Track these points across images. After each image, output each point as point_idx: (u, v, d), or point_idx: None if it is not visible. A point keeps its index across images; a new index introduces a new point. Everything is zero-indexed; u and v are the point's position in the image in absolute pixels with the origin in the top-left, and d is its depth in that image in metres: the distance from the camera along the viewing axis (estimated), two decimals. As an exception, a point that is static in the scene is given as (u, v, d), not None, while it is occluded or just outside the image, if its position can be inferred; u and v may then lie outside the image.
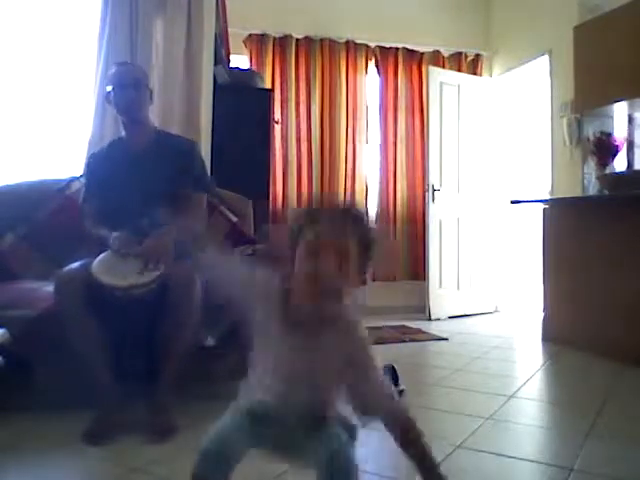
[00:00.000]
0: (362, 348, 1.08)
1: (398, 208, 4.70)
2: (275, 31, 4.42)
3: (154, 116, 2.45)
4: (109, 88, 2.26)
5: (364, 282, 1.10)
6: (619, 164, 3.47)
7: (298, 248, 1.05)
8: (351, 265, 1.03)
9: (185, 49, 3.28)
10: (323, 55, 4.56)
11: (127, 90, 2.21)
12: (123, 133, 2.32)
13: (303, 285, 1.03)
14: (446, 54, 4.85)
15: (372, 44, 4.67)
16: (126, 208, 2.12)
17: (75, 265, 1.96)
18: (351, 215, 1.08)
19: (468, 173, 4.72)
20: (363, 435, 1.91)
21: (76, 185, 2.66)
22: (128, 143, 2.28)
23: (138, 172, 2.17)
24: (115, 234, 2.01)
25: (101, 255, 1.97)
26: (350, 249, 1.03)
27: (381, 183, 4.70)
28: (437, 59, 4.79)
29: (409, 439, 1.06)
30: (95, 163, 2.33)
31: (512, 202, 3.76)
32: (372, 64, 4.72)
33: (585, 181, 3.78)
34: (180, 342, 1.94)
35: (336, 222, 1.05)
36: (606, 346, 2.97)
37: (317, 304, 1.04)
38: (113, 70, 2.31)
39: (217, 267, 1.16)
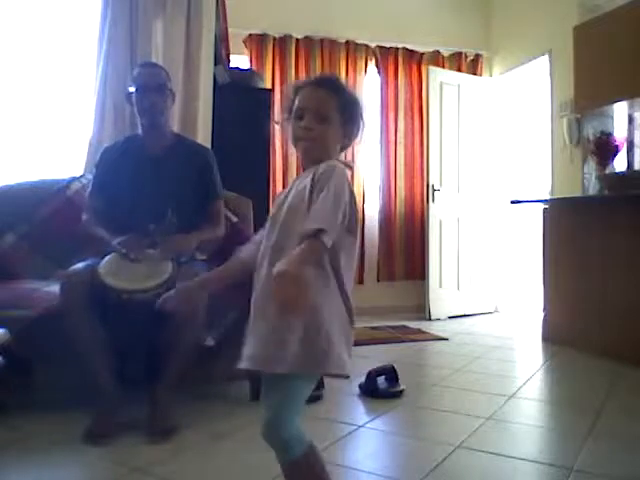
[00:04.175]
0: (324, 176, 1.08)
1: (398, 208, 4.71)
2: (275, 31, 4.42)
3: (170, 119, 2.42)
4: (132, 89, 2.22)
5: (348, 142, 1.22)
6: (619, 164, 3.47)
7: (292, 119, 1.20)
8: (331, 122, 1.16)
9: (185, 49, 3.28)
10: (323, 55, 4.56)
11: (149, 94, 2.17)
12: (140, 132, 2.28)
13: (296, 145, 1.19)
14: (446, 54, 4.85)
15: (372, 44, 4.67)
16: (136, 211, 2.11)
17: (81, 265, 1.96)
18: (328, 81, 1.23)
19: (468, 173, 4.72)
20: (364, 435, 1.92)
21: (76, 185, 2.65)
22: (145, 144, 2.25)
23: (152, 175, 2.17)
24: (122, 238, 1.99)
25: (108, 257, 1.96)
26: (327, 107, 1.17)
27: (381, 183, 4.70)
28: (437, 59, 4.79)
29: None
30: (108, 158, 2.29)
31: (512, 202, 3.76)
32: (372, 64, 4.72)
33: (585, 181, 3.78)
34: (184, 344, 1.94)
35: (315, 87, 1.20)
36: (606, 346, 2.97)
37: (309, 158, 1.18)
38: (137, 71, 2.28)
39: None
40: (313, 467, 1.10)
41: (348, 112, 1.19)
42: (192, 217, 2.19)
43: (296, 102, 1.20)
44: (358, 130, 1.23)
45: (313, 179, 1.10)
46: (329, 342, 1.04)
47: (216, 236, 2.28)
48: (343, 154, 1.27)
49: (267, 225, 1.20)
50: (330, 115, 1.17)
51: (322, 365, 1.05)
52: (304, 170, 1.20)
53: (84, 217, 2.22)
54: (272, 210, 1.22)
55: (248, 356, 1.08)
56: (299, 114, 1.18)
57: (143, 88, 2.18)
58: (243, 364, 1.08)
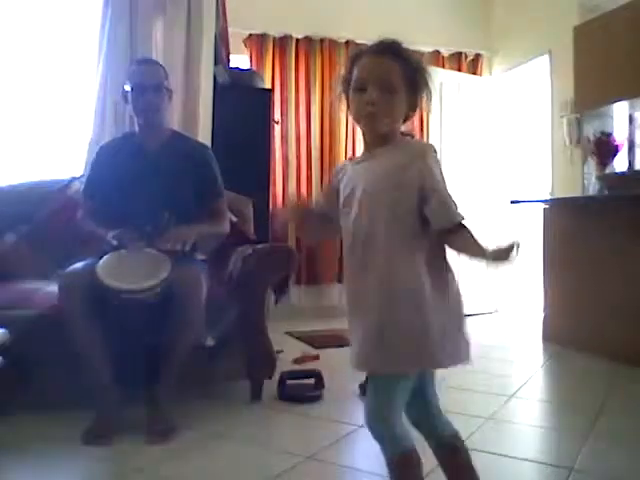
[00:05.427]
0: (421, 166, 1.09)
1: (398, 208, 4.70)
2: (275, 31, 4.42)
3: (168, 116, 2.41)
4: (127, 87, 2.19)
5: (413, 113, 1.17)
6: (619, 164, 3.47)
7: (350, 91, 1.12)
8: (397, 92, 1.09)
9: (185, 49, 3.28)
10: (323, 55, 4.56)
11: (145, 93, 2.14)
12: (137, 129, 2.27)
13: (360, 120, 1.12)
14: (446, 54, 4.85)
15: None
16: (133, 207, 2.10)
17: (80, 265, 1.95)
18: (390, 47, 1.12)
19: (468, 173, 4.71)
20: (364, 435, 1.91)
21: (76, 185, 2.65)
22: (141, 141, 2.23)
23: (149, 172, 2.15)
24: (115, 231, 1.99)
25: (106, 257, 1.95)
26: (391, 77, 1.08)
27: (381, 183, 4.70)
28: (437, 59, 4.79)
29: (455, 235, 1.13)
30: (105, 155, 2.27)
31: (512, 202, 3.76)
32: (372, 64, 4.72)
33: (585, 181, 3.78)
34: (183, 343, 1.94)
35: (376, 55, 1.11)
36: (606, 346, 2.97)
37: (374, 132, 1.12)
38: (133, 68, 2.24)
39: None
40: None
41: (414, 80, 1.11)
42: (191, 214, 2.18)
43: (355, 72, 1.10)
44: (422, 99, 1.15)
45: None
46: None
47: (221, 231, 2.27)
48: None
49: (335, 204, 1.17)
50: (395, 85, 1.08)
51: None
52: (368, 146, 1.15)
53: (79, 214, 2.22)
54: (330, 187, 1.20)
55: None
56: (360, 86, 1.08)
57: (139, 87, 2.15)
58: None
